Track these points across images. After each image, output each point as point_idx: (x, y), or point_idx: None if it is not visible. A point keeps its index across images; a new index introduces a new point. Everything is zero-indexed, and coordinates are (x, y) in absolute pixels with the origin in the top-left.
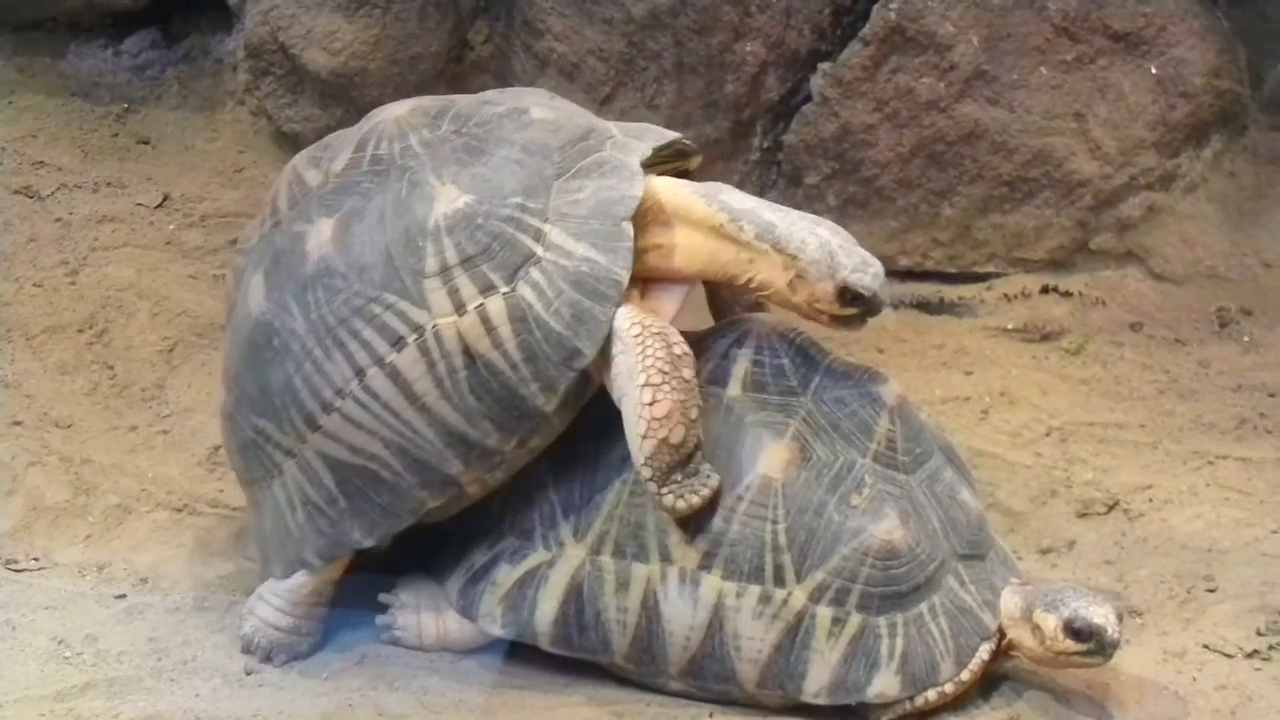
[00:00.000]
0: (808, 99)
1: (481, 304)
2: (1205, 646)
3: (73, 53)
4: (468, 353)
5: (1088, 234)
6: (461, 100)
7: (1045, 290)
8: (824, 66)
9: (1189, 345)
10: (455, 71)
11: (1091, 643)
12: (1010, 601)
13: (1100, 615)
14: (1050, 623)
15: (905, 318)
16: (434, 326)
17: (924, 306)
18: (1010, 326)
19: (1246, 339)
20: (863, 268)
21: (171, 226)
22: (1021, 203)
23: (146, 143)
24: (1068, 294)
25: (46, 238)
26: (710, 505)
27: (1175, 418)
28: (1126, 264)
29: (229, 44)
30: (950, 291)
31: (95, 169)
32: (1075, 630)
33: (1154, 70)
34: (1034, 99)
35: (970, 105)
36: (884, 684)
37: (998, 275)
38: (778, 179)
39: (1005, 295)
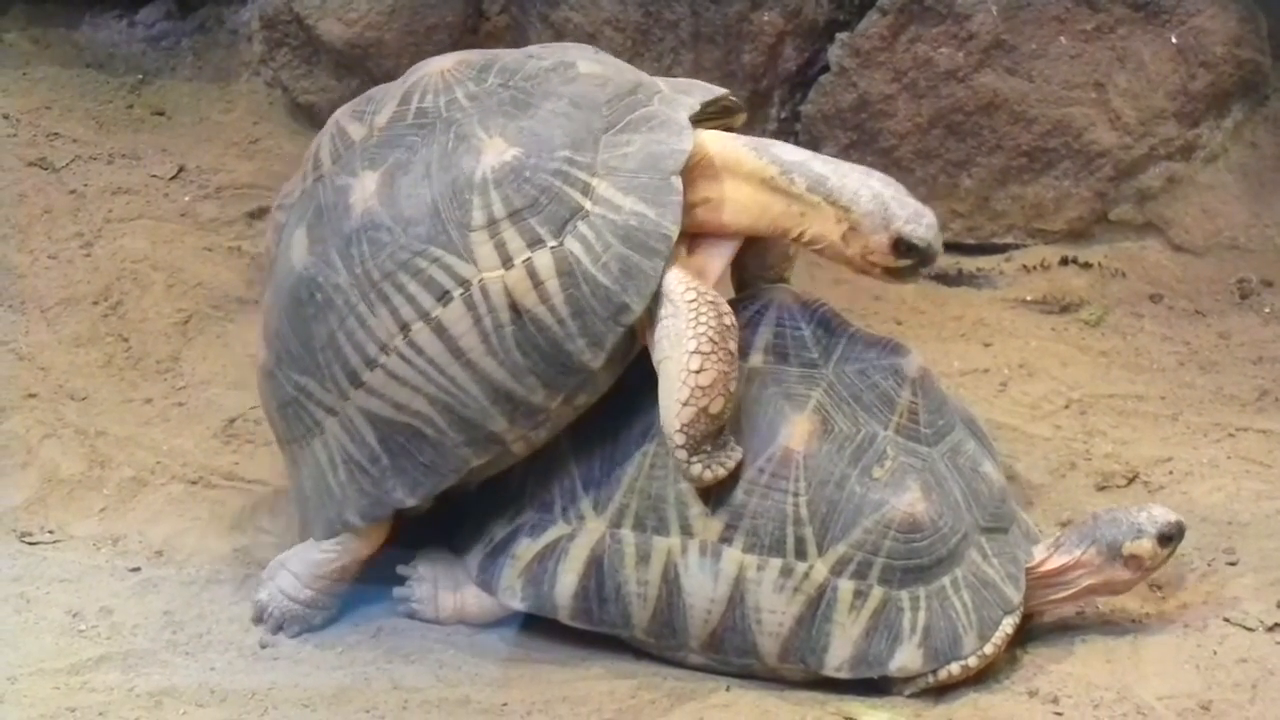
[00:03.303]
0: (825, 69)
1: (529, 258)
2: (1226, 620)
3: (87, 23)
4: (514, 307)
5: (1107, 205)
6: (506, 54)
7: (1065, 261)
8: (842, 36)
9: (1209, 317)
10: (471, 42)
11: (1177, 537)
12: (1083, 554)
13: (1169, 513)
14: (1147, 546)
15: (924, 289)
16: (480, 281)
17: (942, 278)
18: (1029, 298)
19: (1267, 310)
20: (916, 219)
21: (186, 198)
22: (1041, 173)
23: (161, 114)
24: (1087, 265)
25: (61, 210)
26: (731, 477)
27: (1195, 390)
28: (1146, 235)
29: (244, 14)
30: (969, 263)
31: (110, 140)
32: (1169, 537)
33: (1174, 39)
34: (1053, 69)
35: (989, 75)
36: (906, 657)
37: (1017, 246)
38: None
39: (1024, 266)
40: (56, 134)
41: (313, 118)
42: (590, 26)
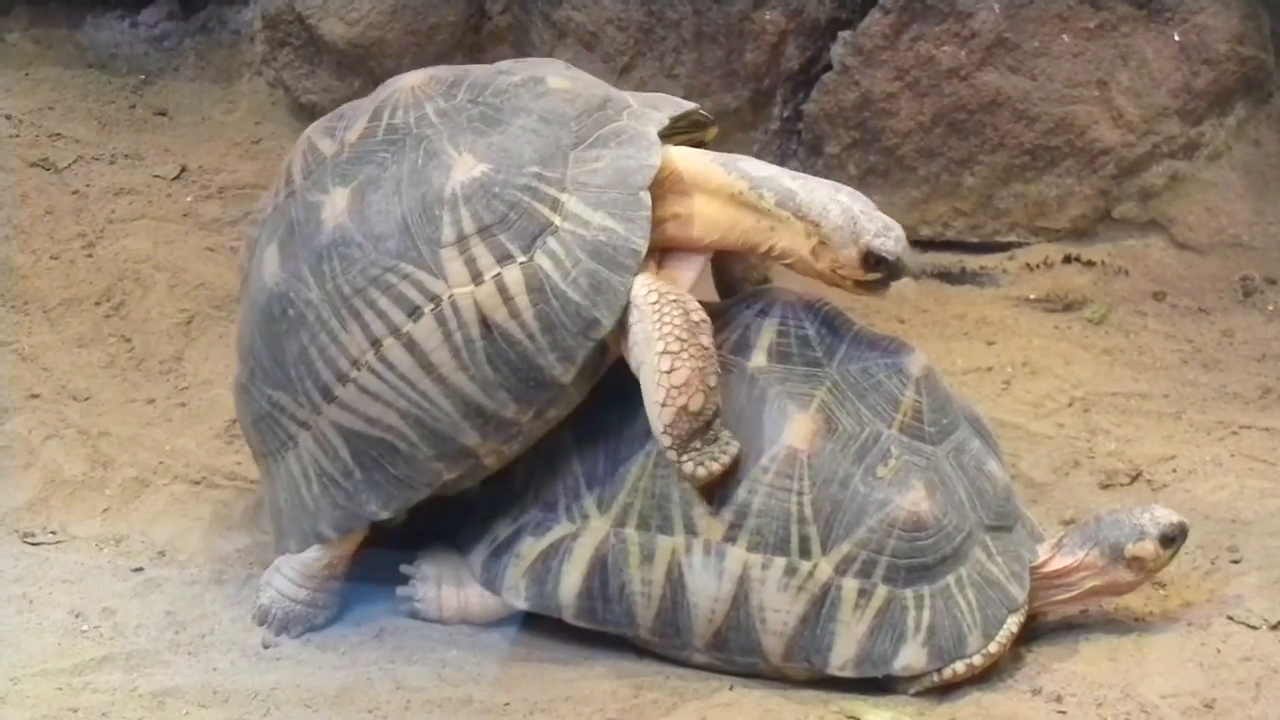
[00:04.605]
0: (828, 68)
1: (499, 273)
2: (1230, 618)
3: (90, 24)
4: (485, 323)
5: (1110, 203)
6: (476, 70)
7: (1068, 259)
8: (844, 35)
9: (1213, 314)
10: (473, 41)
11: (1180, 538)
12: (1085, 556)
13: (1171, 514)
14: (1150, 547)
15: (927, 288)
16: (451, 296)
17: (945, 276)
18: (1032, 296)
19: (1270, 308)
20: (885, 232)
21: (189, 198)
22: (1044, 171)
23: (164, 114)
24: (1090, 263)
25: (64, 210)
26: (735, 477)
27: (1199, 387)
28: (1150, 233)
29: (246, 14)
30: (972, 261)
31: (112, 141)
32: (1171, 539)
33: (1177, 37)
34: (1056, 67)
35: (992, 73)
36: (911, 656)
37: (1020, 244)
38: (798, 148)
39: (1027, 265)
40: (59, 134)
41: (315, 117)
42: (592, 25)
